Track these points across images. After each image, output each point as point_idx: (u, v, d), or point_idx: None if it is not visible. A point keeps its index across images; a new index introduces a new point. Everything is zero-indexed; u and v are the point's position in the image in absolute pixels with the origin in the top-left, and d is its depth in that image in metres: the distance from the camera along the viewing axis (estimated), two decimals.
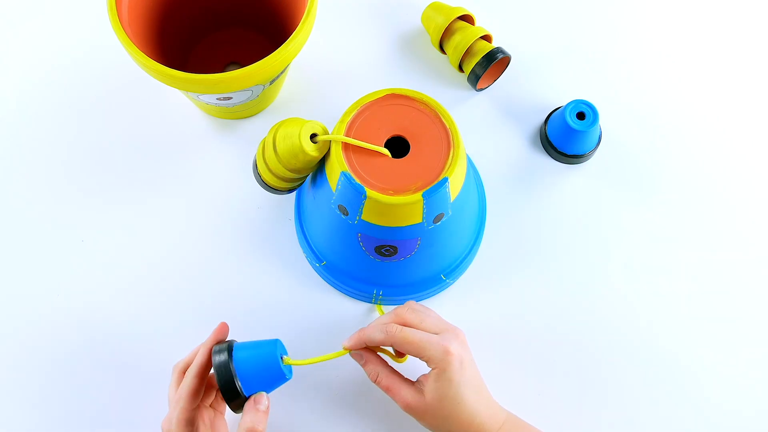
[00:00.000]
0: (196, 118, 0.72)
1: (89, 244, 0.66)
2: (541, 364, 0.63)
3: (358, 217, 0.53)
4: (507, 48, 0.73)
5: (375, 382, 0.53)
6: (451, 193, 0.52)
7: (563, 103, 0.71)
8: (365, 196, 0.51)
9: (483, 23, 0.75)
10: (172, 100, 0.72)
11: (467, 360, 0.51)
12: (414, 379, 0.53)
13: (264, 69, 0.58)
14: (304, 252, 0.65)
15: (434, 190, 0.51)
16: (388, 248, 0.56)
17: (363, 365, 0.54)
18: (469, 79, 0.71)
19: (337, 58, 0.74)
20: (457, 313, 0.64)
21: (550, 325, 0.64)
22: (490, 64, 0.68)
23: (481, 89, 0.73)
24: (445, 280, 0.63)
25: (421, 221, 0.53)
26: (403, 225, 0.53)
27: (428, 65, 0.75)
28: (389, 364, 0.54)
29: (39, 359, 0.62)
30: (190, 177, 0.69)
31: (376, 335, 0.52)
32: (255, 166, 0.56)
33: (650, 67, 0.75)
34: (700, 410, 0.62)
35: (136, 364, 0.62)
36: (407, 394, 0.52)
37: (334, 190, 0.53)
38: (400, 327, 0.51)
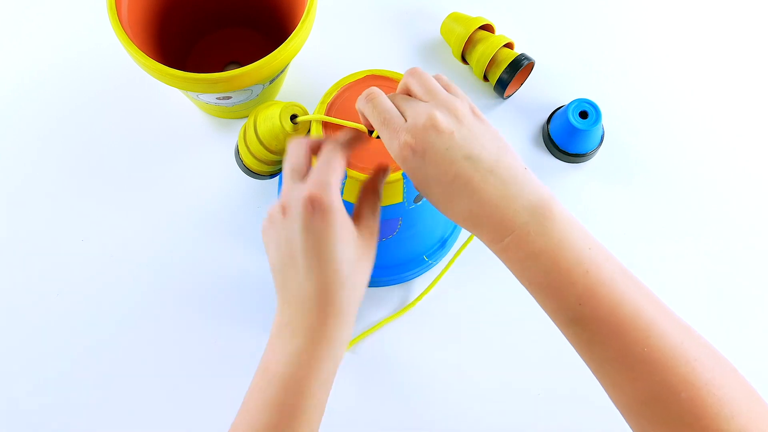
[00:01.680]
0: (195, 117, 0.71)
1: (89, 243, 0.66)
2: (540, 362, 0.62)
3: None
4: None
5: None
6: None
7: (566, 102, 0.70)
8: (345, 176, 0.51)
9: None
10: (172, 99, 0.72)
11: (437, 146, 0.40)
12: None
13: (264, 68, 0.58)
14: None
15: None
16: None
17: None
18: (495, 88, 0.71)
19: (337, 57, 0.74)
20: (452, 302, 0.64)
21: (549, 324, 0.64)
22: (516, 72, 0.68)
23: (508, 96, 0.73)
24: (427, 261, 0.63)
25: (401, 201, 0.53)
26: (384, 205, 0.53)
27: (428, 64, 0.74)
28: None
29: (38, 358, 0.62)
30: (190, 176, 0.69)
31: (359, 103, 0.44)
32: (237, 152, 0.56)
33: (652, 67, 0.75)
34: None
35: (136, 362, 0.62)
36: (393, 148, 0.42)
37: None
38: (376, 93, 0.43)
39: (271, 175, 0.58)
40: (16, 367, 0.62)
